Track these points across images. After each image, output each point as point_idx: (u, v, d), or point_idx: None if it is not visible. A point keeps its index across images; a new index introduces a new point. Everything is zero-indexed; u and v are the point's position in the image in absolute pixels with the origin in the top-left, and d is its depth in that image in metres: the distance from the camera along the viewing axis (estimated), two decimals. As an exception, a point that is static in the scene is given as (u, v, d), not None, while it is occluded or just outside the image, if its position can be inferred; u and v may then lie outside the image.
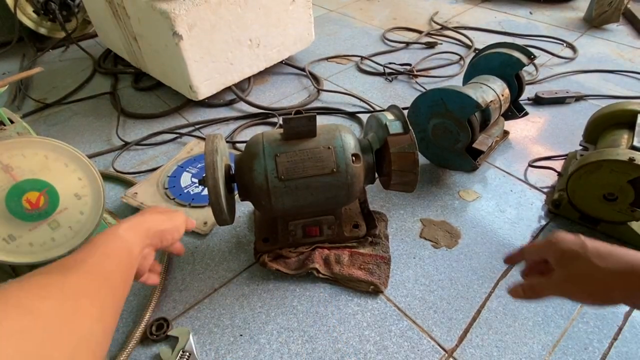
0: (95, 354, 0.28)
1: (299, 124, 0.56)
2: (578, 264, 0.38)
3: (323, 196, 0.59)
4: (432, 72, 1.19)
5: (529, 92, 1.05)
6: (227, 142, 0.95)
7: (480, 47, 1.09)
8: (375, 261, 0.65)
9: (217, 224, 0.57)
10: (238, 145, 0.94)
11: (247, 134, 0.98)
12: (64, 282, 0.29)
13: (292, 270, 0.65)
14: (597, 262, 0.37)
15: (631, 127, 0.70)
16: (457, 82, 1.14)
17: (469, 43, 1.32)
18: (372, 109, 1.04)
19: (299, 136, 0.58)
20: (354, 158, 0.58)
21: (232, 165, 0.61)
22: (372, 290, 0.62)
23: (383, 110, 0.65)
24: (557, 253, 0.40)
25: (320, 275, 0.64)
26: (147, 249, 0.44)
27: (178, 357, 0.55)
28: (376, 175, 0.64)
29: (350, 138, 0.59)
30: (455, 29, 1.41)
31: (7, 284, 0.27)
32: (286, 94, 1.13)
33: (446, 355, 0.55)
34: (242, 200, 0.61)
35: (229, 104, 1.09)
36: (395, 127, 0.58)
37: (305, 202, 0.59)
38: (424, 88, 1.12)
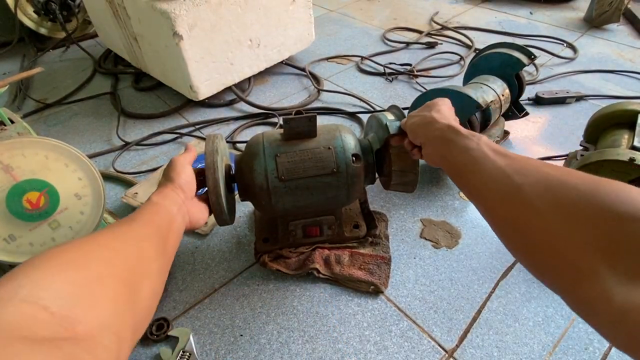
0: (153, 284, 0.37)
1: (299, 124, 0.56)
2: (423, 111, 0.51)
3: (323, 196, 0.58)
4: (433, 72, 1.19)
5: (529, 92, 1.05)
6: (227, 142, 0.95)
7: (481, 47, 1.09)
8: (376, 261, 0.65)
9: (217, 224, 0.57)
10: (238, 145, 0.94)
11: (247, 134, 0.99)
12: (129, 230, 0.39)
13: (293, 271, 0.65)
14: (431, 114, 0.49)
15: (631, 127, 0.70)
16: (457, 82, 1.14)
17: (469, 43, 1.32)
18: (372, 109, 1.04)
19: (299, 136, 0.58)
20: (354, 158, 0.58)
21: (233, 165, 0.61)
22: (372, 290, 0.62)
23: (383, 111, 0.65)
24: (428, 105, 0.53)
25: (321, 276, 0.64)
26: (184, 206, 0.48)
27: (178, 357, 0.55)
28: (376, 175, 0.64)
29: (350, 138, 0.59)
30: (455, 29, 1.41)
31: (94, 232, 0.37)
32: (286, 94, 1.13)
33: (446, 355, 0.55)
34: (242, 200, 0.61)
35: (229, 104, 1.09)
36: (395, 127, 0.58)
37: (306, 202, 0.59)
38: (424, 88, 1.12)
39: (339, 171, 0.57)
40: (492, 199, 0.37)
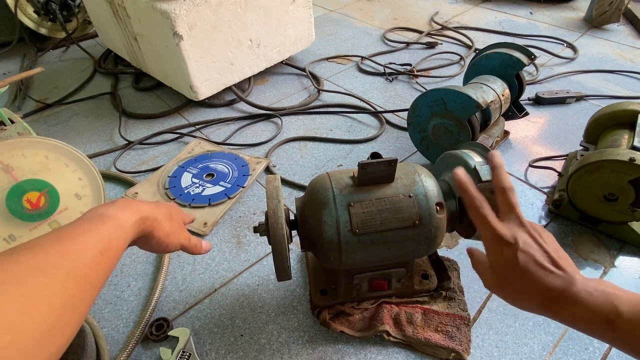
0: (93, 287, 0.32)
1: (377, 170, 0.48)
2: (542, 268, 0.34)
3: (400, 251, 0.51)
4: (433, 72, 1.19)
5: (529, 92, 1.05)
6: (226, 143, 0.95)
7: (481, 47, 1.09)
8: (454, 322, 0.57)
9: (277, 279, 0.50)
10: (238, 146, 0.94)
11: (248, 134, 0.99)
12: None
13: (358, 332, 0.57)
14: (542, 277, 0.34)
15: (632, 127, 0.70)
16: (457, 82, 1.14)
17: (469, 43, 1.32)
18: (372, 109, 1.04)
19: (374, 181, 0.50)
20: (437, 208, 0.49)
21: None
22: (454, 358, 0.54)
23: (462, 146, 0.56)
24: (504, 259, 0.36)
25: (391, 339, 0.56)
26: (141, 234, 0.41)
27: (178, 358, 0.55)
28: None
29: (432, 183, 0.51)
30: (455, 29, 1.41)
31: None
32: (286, 94, 1.13)
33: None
34: (303, 251, 0.56)
35: (229, 104, 1.09)
36: (486, 172, 0.49)
37: (379, 257, 0.51)
38: (424, 88, 1.12)
39: (421, 223, 0.49)
40: None
